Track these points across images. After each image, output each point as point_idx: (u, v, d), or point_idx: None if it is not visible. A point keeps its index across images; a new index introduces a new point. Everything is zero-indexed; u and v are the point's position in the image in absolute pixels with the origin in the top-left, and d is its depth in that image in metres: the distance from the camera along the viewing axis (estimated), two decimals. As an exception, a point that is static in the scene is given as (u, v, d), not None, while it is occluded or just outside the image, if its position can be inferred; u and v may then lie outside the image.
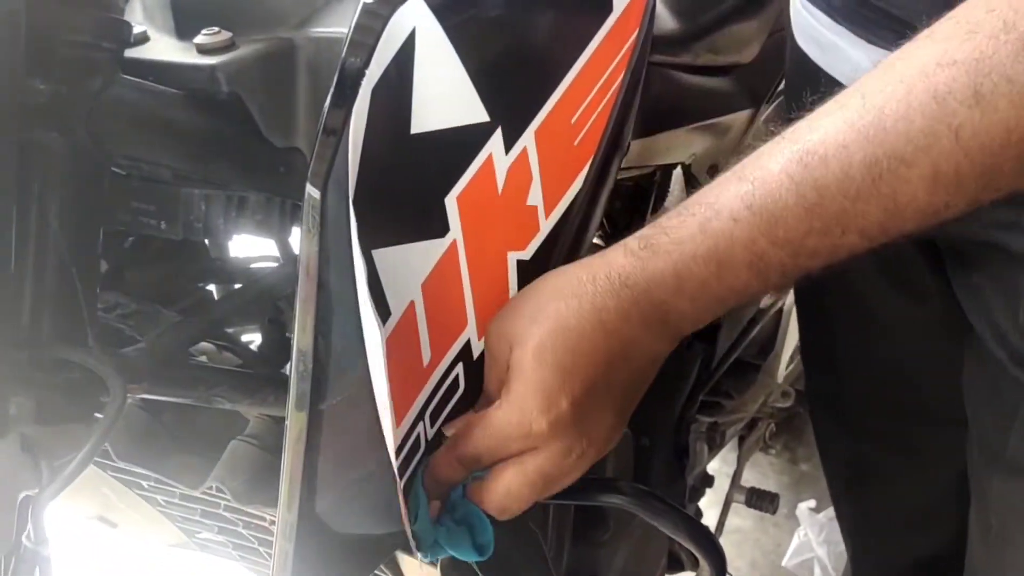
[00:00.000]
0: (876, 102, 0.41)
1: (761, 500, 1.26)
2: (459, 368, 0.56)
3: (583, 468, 0.53)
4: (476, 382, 0.57)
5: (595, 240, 0.97)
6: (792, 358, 1.38)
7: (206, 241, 0.77)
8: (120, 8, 0.54)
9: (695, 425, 1.18)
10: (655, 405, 1.10)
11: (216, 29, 0.58)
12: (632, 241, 0.49)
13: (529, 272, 0.56)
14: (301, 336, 0.50)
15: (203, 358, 0.74)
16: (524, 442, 0.51)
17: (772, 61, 1.14)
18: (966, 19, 0.39)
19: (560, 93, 0.55)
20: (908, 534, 0.77)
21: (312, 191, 0.49)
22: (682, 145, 1.05)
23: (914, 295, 0.69)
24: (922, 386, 0.71)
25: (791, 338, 1.36)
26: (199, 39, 0.58)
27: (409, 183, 0.52)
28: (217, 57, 0.57)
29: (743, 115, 1.13)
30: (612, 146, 0.59)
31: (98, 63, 0.53)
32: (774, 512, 1.28)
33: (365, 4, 0.50)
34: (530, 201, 0.55)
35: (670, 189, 1.17)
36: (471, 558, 0.57)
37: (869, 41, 0.58)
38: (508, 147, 0.54)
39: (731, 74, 1.11)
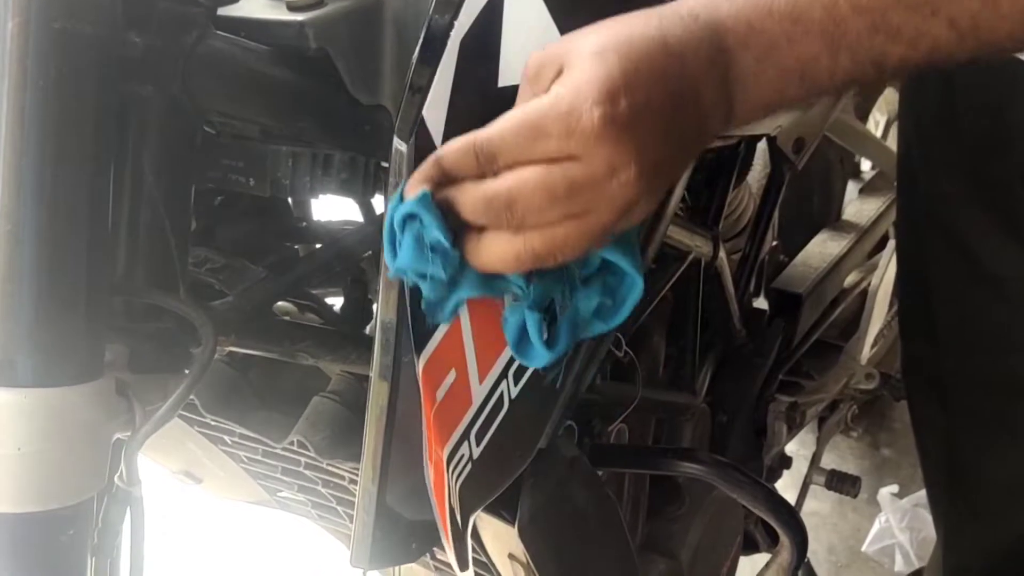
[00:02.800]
0: None
1: (842, 483, 1.22)
2: (543, 327, 0.56)
3: (618, 209, 0.43)
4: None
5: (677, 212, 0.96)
6: (876, 340, 1.34)
7: (290, 200, 0.78)
8: (214, -37, 0.55)
9: (774, 404, 1.16)
10: (733, 382, 1.08)
11: (306, -15, 0.58)
12: None
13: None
14: (385, 309, 0.51)
15: (286, 318, 0.75)
16: (564, 140, 0.42)
17: None
18: None
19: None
20: (1007, 514, 0.74)
21: (399, 144, 0.49)
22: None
23: None
24: None
25: (876, 320, 1.32)
26: (289, -5, 0.58)
27: (495, 137, 0.52)
28: (306, 14, 0.57)
29: (832, 86, 1.09)
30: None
31: (193, 18, 0.54)
32: (855, 495, 1.24)
33: (454, -44, 0.50)
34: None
35: (753, 162, 1.14)
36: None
37: None
38: (596, 101, 0.53)
39: None
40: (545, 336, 0.48)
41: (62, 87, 0.43)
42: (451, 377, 0.53)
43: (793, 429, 1.22)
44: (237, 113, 0.58)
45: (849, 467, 1.67)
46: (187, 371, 0.60)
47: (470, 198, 0.44)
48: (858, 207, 1.43)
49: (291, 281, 0.63)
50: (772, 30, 0.42)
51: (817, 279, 1.26)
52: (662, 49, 0.43)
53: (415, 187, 0.45)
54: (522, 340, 0.48)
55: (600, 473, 0.81)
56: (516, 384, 0.55)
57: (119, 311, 0.52)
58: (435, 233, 0.44)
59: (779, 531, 0.72)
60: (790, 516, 0.71)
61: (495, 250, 0.44)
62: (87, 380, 0.46)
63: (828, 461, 1.55)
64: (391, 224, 0.46)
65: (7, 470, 0.43)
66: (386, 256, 0.46)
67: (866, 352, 1.29)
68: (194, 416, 0.73)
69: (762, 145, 1.10)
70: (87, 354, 0.47)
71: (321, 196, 0.65)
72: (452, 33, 0.49)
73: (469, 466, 0.55)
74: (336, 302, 0.80)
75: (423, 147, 0.49)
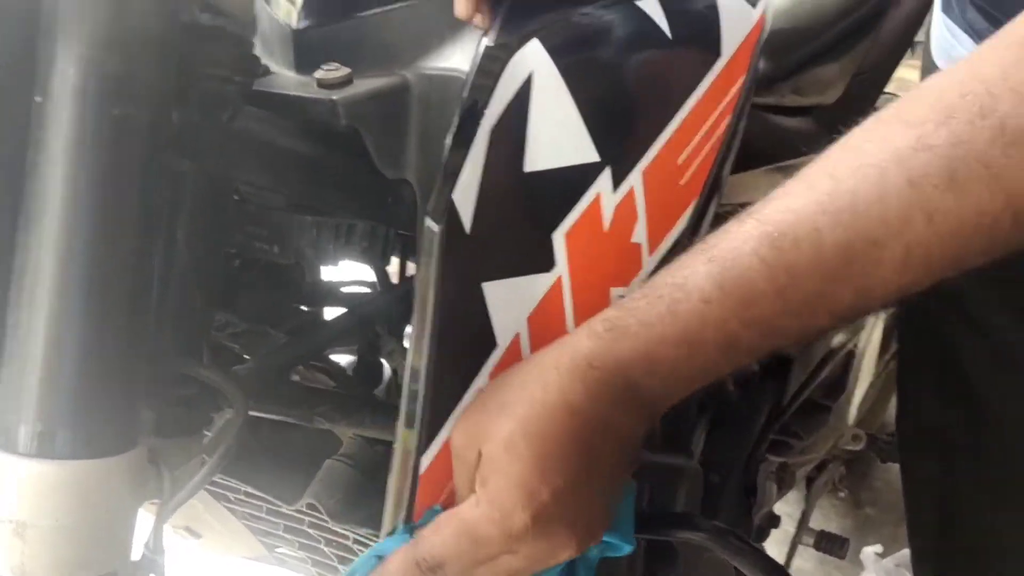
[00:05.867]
0: (848, 185, 0.41)
1: (831, 544, 1.24)
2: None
3: (564, 560, 0.49)
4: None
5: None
6: (863, 401, 1.36)
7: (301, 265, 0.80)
8: (252, 44, 0.57)
9: (764, 464, 1.17)
10: (727, 442, 1.10)
11: (336, 65, 0.61)
12: (595, 323, 0.48)
13: (631, 309, 0.57)
14: (415, 356, 0.52)
15: (295, 377, 0.76)
16: (503, 544, 0.47)
17: (855, 102, 1.14)
18: (940, 103, 0.40)
19: (668, 135, 0.56)
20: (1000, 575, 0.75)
21: (431, 224, 0.51)
22: (763, 186, 1.05)
23: None
24: None
25: (862, 380, 1.34)
26: (320, 74, 0.60)
27: (520, 219, 0.54)
28: (337, 92, 0.59)
29: (823, 156, 1.13)
30: (714, 187, 0.60)
31: (229, 95, 0.55)
32: (843, 557, 1.26)
33: (487, 47, 0.52)
34: (635, 239, 0.57)
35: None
36: None
37: None
38: (616, 185, 0.55)
39: (811, 114, 1.12)
40: None
41: (116, 171, 0.45)
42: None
43: (783, 489, 1.23)
44: (267, 185, 0.60)
45: (832, 526, 1.68)
46: (207, 433, 0.61)
47: None
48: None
49: (311, 347, 0.65)
50: (670, 355, 0.46)
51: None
52: (567, 414, 0.47)
53: None
54: None
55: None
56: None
57: (149, 377, 0.53)
58: None
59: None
60: (789, 584, 0.72)
61: None
62: (124, 450, 0.47)
63: (813, 520, 1.57)
64: None
65: (44, 541, 0.44)
66: None
67: (853, 413, 1.32)
68: (202, 474, 0.74)
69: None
70: (125, 424, 0.48)
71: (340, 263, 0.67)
72: (483, 122, 0.51)
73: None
74: (341, 359, 0.82)
75: (453, 228, 0.51)
